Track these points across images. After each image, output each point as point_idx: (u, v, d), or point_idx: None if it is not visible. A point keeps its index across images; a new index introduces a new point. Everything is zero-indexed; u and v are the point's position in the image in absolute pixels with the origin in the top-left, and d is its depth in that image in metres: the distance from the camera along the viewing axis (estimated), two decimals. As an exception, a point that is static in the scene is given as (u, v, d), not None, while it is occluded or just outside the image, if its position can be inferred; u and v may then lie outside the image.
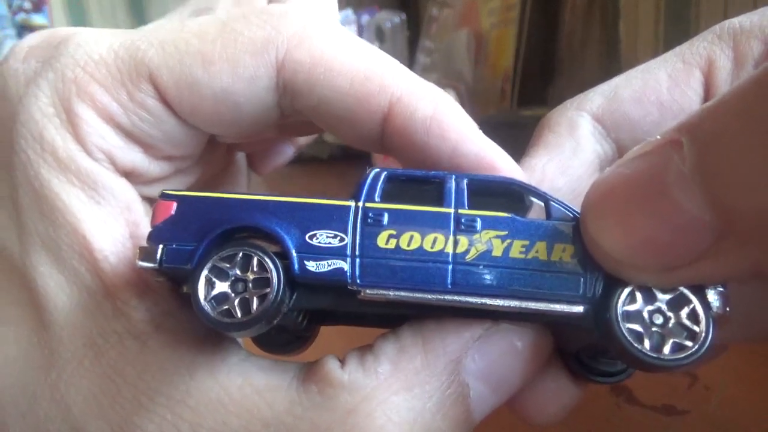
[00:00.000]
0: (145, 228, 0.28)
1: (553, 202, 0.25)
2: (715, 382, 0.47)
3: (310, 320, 0.28)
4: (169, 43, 0.27)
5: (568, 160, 0.31)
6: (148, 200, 0.29)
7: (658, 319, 0.22)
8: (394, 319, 0.26)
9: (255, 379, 0.25)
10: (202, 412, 0.24)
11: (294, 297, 0.24)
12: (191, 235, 0.24)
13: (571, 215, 0.24)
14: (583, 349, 0.27)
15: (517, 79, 0.90)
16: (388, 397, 0.24)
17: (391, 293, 0.23)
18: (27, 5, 1.51)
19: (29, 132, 0.27)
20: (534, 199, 0.25)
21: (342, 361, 0.25)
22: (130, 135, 0.28)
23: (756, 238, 0.19)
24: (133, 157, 0.28)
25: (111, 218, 0.27)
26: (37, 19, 1.52)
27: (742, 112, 0.18)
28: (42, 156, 0.27)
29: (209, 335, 0.27)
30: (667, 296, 0.23)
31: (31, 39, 0.30)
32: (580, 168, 0.30)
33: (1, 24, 1.52)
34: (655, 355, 0.22)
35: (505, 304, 0.23)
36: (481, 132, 0.28)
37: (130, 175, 0.28)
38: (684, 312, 0.22)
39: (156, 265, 0.24)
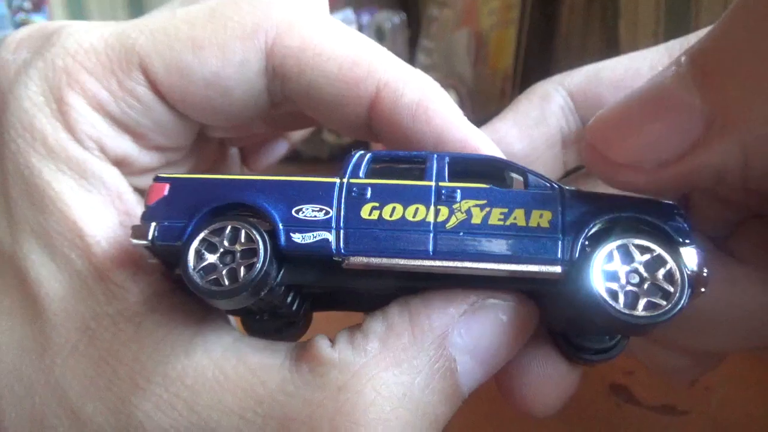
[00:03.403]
0: (137, 218, 0.27)
1: (531, 173, 0.25)
2: (715, 382, 0.47)
3: (300, 304, 0.28)
4: (159, 30, 0.27)
5: (529, 128, 0.32)
6: (140, 192, 0.29)
7: (634, 279, 0.23)
8: (381, 301, 0.26)
9: (249, 359, 0.25)
10: (198, 391, 0.25)
11: (281, 272, 0.25)
12: (183, 213, 0.25)
13: (548, 185, 0.25)
14: (569, 327, 0.28)
15: (517, 79, 0.90)
16: (377, 374, 0.24)
17: (374, 260, 0.24)
18: (27, 5, 1.51)
19: (19, 121, 0.27)
20: (513, 174, 0.26)
21: (332, 341, 0.25)
22: (120, 123, 0.28)
23: (743, 120, 0.21)
24: (124, 145, 0.28)
25: (102, 205, 0.27)
26: (37, 18, 1.52)
27: (734, 18, 0.21)
28: (32, 145, 0.27)
29: (203, 316, 0.27)
30: (645, 257, 0.23)
31: (22, 31, 0.30)
32: (539, 138, 0.32)
33: (1, 24, 1.52)
34: (627, 312, 0.23)
35: (486, 267, 0.24)
36: (466, 119, 0.28)
37: (120, 164, 0.28)
38: (660, 273, 0.23)
39: (148, 242, 0.25)
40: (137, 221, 0.27)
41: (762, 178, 0.22)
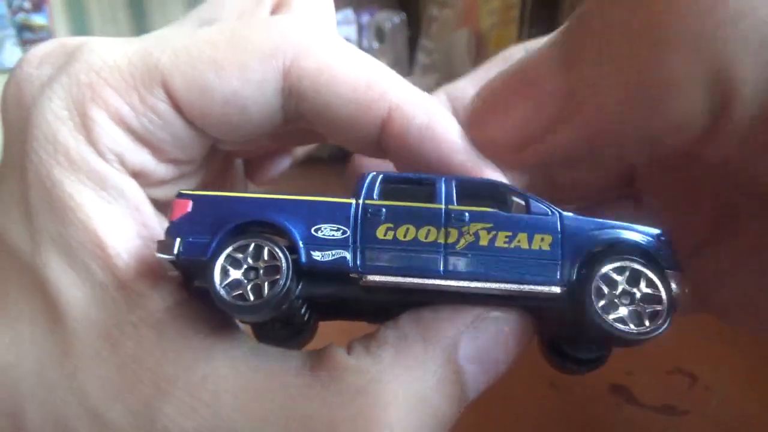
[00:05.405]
0: (154, 229, 0.29)
1: (532, 198, 0.27)
2: (715, 382, 0.47)
3: (311, 314, 0.29)
4: (181, 50, 0.28)
5: None
6: (155, 203, 0.30)
7: (626, 299, 0.25)
8: (386, 312, 0.28)
9: (267, 366, 0.26)
10: (220, 396, 0.26)
11: (300, 286, 0.26)
12: (206, 229, 0.26)
13: (549, 211, 0.27)
14: (562, 338, 0.29)
15: (517, 79, 0.90)
16: (393, 379, 0.25)
17: (390, 279, 0.25)
18: (27, 5, 1.51)
19: (42, 134, 0.27)
20: (516, 198, 0.27)
21: (347, 349, 0.27)
22: (140, 137, 0.28)
23: (594, 95, 0.21)
24: (142, 158, 0.29)
25: (121, 216, 0.28)
26: (37, 19, 1.53)
27: None
28: (54, 157, 0.27)
29: (220, 325, 0.28)
30: (637, 280, 0.25)
31: (44, 47, 0.31)
32: None
33: (1, 24, 1.52)
34: (621, 328, 0.25)
35: (493, 287, 0.26)
36: (470, 143, 0.29)
37: (138, 176, 0.29)
38: (649, 293, 0.25)
39: (174, 256, 0.26)
40: (154, 232, 0.28)
41: (613, 161, 0.23)
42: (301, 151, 0.41)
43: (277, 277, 0.25)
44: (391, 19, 1.15)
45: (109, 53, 0.28)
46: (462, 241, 0.26)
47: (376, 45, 1.18)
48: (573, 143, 0.22)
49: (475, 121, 0.24)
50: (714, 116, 0.19)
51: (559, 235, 0.26)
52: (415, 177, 0.28)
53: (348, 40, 0.30)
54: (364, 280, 0.25)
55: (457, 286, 0.25)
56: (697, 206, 0.28)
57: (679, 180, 0.29)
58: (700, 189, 0.29)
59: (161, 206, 0.30)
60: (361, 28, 1.19)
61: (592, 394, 0.48)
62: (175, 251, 0.26)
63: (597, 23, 0.21)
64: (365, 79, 0.28)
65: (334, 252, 0.26)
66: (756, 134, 0.20)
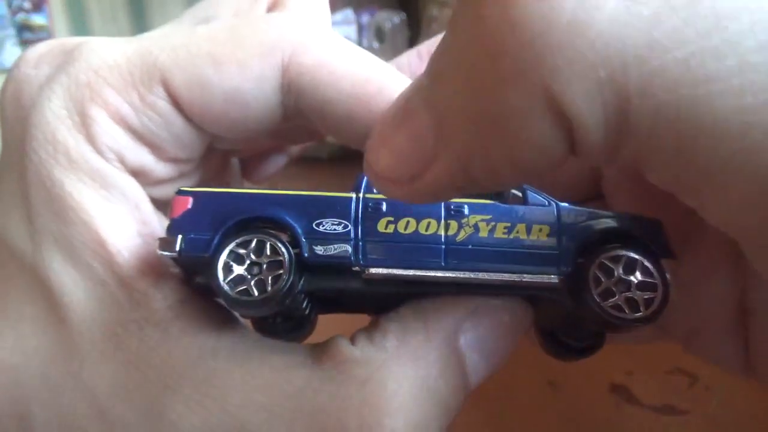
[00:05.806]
0: (154, 227, 0.29)
1: (529, 190, 0.27)
2: (715, 382, 0.47)
3: (311, 308, 0.29)
4: (180, 47, 0.28)
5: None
6: (154, 202, 0.30)
7: (623, 286, 0.25)
8: (390, 304, 0.28)
9: (272, 360, 0.27)
10: (227, 390, 0.26)
11: (303, 280, 0.26)
12: (208, 225, 0.26)
13: (546, 202, 0.27)
14: (558, 326, 0.30)
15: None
16: (398, 368, 0.26)
17: (393, 271, 0.26)
18: (27, 5, 1.51)
19: (42, 133, 0.27)
20: (513, 190, 0.28)
21: (351, 340, 0.27)
22: (139, 136, 0.29)
23: (455, 129, 0.20)
24: (142, 157, 0.29)
25: (122, 215, 0.28)
26: (37, 19, 1.53)
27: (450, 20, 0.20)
28: (54, 156, 0.27)
29: (223, 321, 0.28)
30: (632, 267, 0.26)
31: (42, 47, 0.31)
32: None
33: (1, 24, 1.53)
34: (616, 314, 0.25)
35: (493, 277, 0.26)
36: None
37: (138, 174, 0.29)
38: (645, 281, 0.25)
39: (176, 253, 0.26)
40: (154, 230, 0.28)
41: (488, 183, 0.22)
42: (295, 149, 0.41)
43: (281, 272, 0.25)
44: (391, 19, 1.15)
45: (108, 52, 0.28)
46: (462, 233, 0.26)
47: (376, 45, 1.18)
48: (451, 175, 0.21)
49: (369, 153, 0.23)
50: (568, 143, 0.19)
51: (557, 226, 0.26)
52: None
53: (348, 39, 0.30)
54: (366, 273, 0.26)
55: (458, 278, 0.26)
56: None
57: (635, 190, 0.30)
58: (654, 201, 0.28)
59: (160, 205, 0.30)
60: (361, 28, 1.19)
61: (592, 394, 0.48)
62: (177, 248, 0.26)
63: (447, 54, 0.20)
64: (363, 74, 0.28)
65: (336, 246, 0.26)
66: (612, 161, 0.19)
